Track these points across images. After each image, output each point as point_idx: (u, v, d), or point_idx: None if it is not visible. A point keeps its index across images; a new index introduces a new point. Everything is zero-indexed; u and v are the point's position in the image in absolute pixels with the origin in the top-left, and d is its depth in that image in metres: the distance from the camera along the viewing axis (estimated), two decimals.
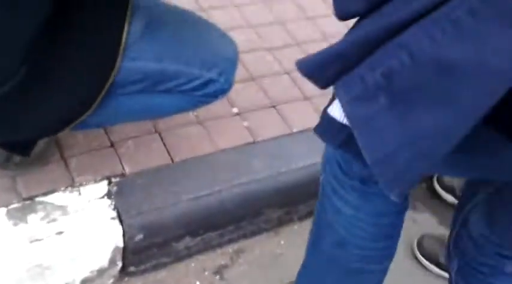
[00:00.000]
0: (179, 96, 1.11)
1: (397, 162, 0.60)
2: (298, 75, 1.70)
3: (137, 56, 1.00)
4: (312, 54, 0.65)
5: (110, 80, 0.98)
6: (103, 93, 1.00)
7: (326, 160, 1.01)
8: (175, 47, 1.07)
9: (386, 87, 0.58)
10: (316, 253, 1.10)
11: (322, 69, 0.64)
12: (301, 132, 1.53)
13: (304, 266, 1.15)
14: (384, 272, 1.09)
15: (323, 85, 0.66)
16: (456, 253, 1.11)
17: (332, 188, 0.99)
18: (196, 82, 1.10)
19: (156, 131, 1.43)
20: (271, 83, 1.67)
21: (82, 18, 0.93)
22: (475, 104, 0.56)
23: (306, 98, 1.65)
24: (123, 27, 0.96)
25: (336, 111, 0.74)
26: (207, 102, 1.18)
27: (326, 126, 0.77)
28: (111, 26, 0.97)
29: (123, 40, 0.96)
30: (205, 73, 1.10)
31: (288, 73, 1.72)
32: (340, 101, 0.63)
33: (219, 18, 1.84)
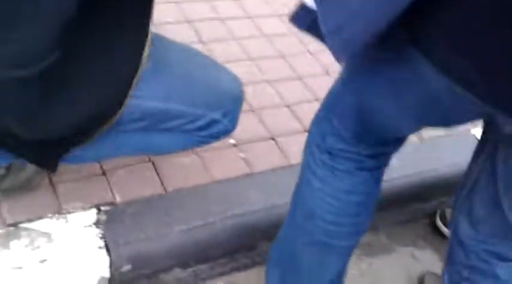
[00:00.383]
0: (181, 135, 1.09)
1: (345, 33, 0.70)
2: (298, 109, 1.69)
3: (143, 94, 0.97)
4: None
5: (116, 117, 0.96)
6: (106, 126, 0.97)
7: (307, 139, 1.10)
8: (182, 86, 1.05)
9: None
10: (289, 225, 1.16)
11: None
12: (299, 164, 1.49)
13: (278, 238, 1.20)
14: (349, 249, 1.12)
15: None
16: (448, 264, 1.12)
17: (307, 162, 1.08)
18: (200, 123, 1.08)
19: (149, 160, 1.39)
20: (270, 115, 1.64)
21: (98, 42, 0.90)
22: None
23: (306, 131, 1.62)
24: (138, 63, 0.94)
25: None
26: (209, 142, 1.16)
27: (299, 13, 0.86)
28: (126, 61, 0.94)
29: (135, 80, 0.94)
30: (210, 113, 1.08)
31: (288, 106, 1.69)
32: None
33: (219, 51, 1.84)
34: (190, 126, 1.08)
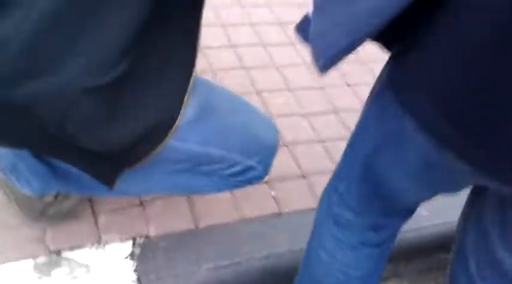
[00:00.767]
0: (217, 179, 1.15)
1: (328, 37, 0.72)
2: (331, 145, 1.73)
3: (186, 137, 1.03)
4: None
5: (155, 152, 1.01)
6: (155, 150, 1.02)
7: (317, 209, 1.13)
8: (222, 132, 1.10)
9: None
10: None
11: None
12: None
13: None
14: None
15: None
16: None
17: (317, 232, 1.10)
18: (236, 168, 1.13)
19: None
20: (303, 151, 1.69)
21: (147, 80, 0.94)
22: None
23: None
24: (180, 105, 0.99)
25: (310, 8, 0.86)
26: (242, 186, 1.22)
27: (303, 24, 0.87)
28: (170, 103, 0.99)
29: (177, 122, 0.99)
30: (246, 160, 1.13)
31: (321, 142, 1.73)
32: None
33: (259, 78, 1.89)
34: (227, 171, 1.15)
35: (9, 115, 0.88)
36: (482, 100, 0.63)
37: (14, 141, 0.99)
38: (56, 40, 0.81)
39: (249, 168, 1.16)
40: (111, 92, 0.87)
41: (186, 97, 0.99)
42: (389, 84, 0.80)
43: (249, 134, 1.16)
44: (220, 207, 1.46)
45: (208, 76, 1.81)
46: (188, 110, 1.01)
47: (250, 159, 1.15)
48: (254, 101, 1.79)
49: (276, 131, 1.23)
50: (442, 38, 0.66)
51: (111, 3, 0.81)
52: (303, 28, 0.84)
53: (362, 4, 0.67)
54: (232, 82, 1.82)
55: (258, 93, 1.83)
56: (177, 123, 0.99)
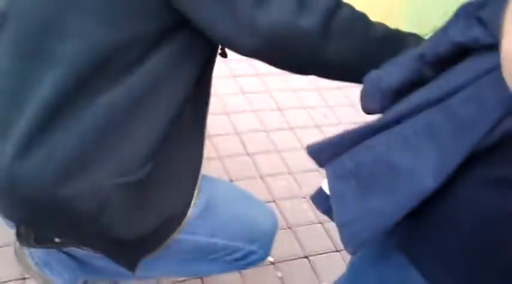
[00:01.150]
0: (222, 263, 1.28)
1: (353, 228, 0.78)
2: (330, 226, 1.87)
3: (194, 231, 1.17)
4: (318, 141, 0.87)
5: (168, 242, 1.14)
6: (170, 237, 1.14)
7: None
8: (226, 224, 1.25)
9: (357, 174, 0.79)
10: None
11: (321, 153, 0.87)
12: None
13: None
14: None
15: (320, 165, 0.87)
16: None
17: None
18: (239, 254, 1.27)
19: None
20: (305, 232, 1.83)
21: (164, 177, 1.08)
22: (407, 197, 0.73)
23: (338, 250, 1.80)
24: (191, 199, 1.14)
25: (325, 186, 0.92)
26: (246, 268, 1.35)
27: (318, 196, 0.95)
28: (182, 196, 1.14)
29: (185, 219, 1.14)
30: (248, 246, 1.27)
31: (321, 223, 1.88)
32: (328, 178, 0.84)
33: (262, 162, 2.05)
34: (231, 257, 1.27)
35: (50, 212, 1.01)
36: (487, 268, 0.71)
37: (54, 235, 1.12)
38: (96, 146, 0.96)
39: (251, 253, 1.29)
40: (138, 188, 1.02)
41: (195, 192, 1.14)
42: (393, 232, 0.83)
43: (249, 223, 1.30)
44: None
45: (216, 163, 1.97)
46: (196, 206, 1.15)
47: (251, 244, 1.28)
48: (258, 185, 1.95)
49: (274, 217, 1.37)
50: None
51: (141, 120, 0.98)
52: (318, 201, 0.95)
53: (375, 203, 0.76)
54: (237, 167, 1.99)
55: (262, 177, 1.99)
56: (186, 218, 1.13)
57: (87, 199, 0.97)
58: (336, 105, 2.45)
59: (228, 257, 1.28)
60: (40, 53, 0.95)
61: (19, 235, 1.11)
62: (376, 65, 0.84)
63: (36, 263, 1.33)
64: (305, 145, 2.18)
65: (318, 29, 0.88)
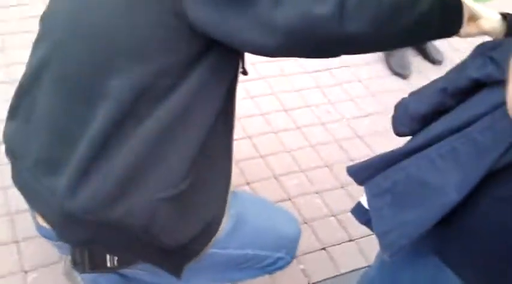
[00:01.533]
0: (251, 270, 1.43)
1: (390, 237, 0.93)
2: (343, 218, 2.02)
3: (226, 245, 1.30)
4: (358, 162, 1.06)
5: (204, 251, 1.26)
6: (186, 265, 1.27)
7: None
8: (255, 236, 1.37)
9: (392, 191, 0.95)
10: None
11: (359, 173, 1.05)
12: (349, 272, 1.82)
13: None
14: None
15: (359, 183, 1.06)
16: None
17: None
18: (268, 261, 1.41)
19: None
20: (320, 226, 1.98)
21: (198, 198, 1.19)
22: (435, 209, 0.88)
23: (351, 240, 1.95)
24: (223, 211, 1.26)
25: (364, 201, 1.09)
26: (273, 273, 1.50)
27: (357, 210, 1.12)
28: (215, 207, 1.25)
29: (216, 236, 1.28)
30: (276, 254, 1.41)
31: (334, 216, 2.03)
32: (366, 195, 1.03)
33: (274, 163, 2.20)
34: (260, 264, 1.42)
35: (104, 230, 1.13)
36: None
37: (107, 251, 1.23)
38: (143, 167, 1.07)
39: (279, 259, 1.43)
40: (181, 198, 1.13)
41: (226, 206, 1.27)
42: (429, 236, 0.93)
43: (276, 232, 1.42)
44: (259, 281, 1.73)
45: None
46: (227, 224, 1.27)
47: (279, 252, 1.42)
48: (273, 185, 2.10)
49: (297, 225, 1.51)
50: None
51: (181, 137, 1.09)
52: (358, 214, 1.10)
53: (408, 215, 0.92)
54: (252, 170, 2.13)
55: (276, 177, 2.14)
56: (218, 234, 1.25)
57: (138, 215, 1.08)
58: (337, 101, 2.59)
59: (258, 265, 1.41)
60: (89, 92, 1.05)
61: (75, 263, 1.21)
62: (398, 26, 0.93)
63: (86, 283, 1.47)
64: (312, 142, 2.32)
65: (334, 12, 0.90)
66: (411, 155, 0.95)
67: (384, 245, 0.98)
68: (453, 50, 3.01)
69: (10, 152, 1.21)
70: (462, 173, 0.86)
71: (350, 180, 2.19)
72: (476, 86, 0.93)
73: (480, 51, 0.95)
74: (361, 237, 1.94)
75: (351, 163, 2.28)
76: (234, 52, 1.09)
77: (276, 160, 2.22)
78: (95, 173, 1.05)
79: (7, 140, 1.21)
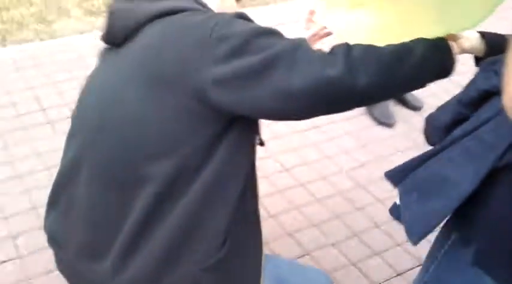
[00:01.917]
0: None
1: (416, 227, 1.09)
2: (363, 266, 2.06)
3: None
4: (392, 169, 1.21)
5: None
6: None
7: None
8: None
9: (418, 188, 1.12)
10: None
11: (395, 176, 1.20)
12: None
13: None
14: None
15: (395, 185, 1.20)
16: None
17: None
18: None
19: None
20: (342, 275, 2.02)
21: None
22: (454, 199, 1.04)
23: None
24: (260, 271, 1.29)
25: (397, 199, 1.21)
26: None
27: (394, 208, 1.23)
28: (252, 269, 1.28)
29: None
30: None
31: (353, 264, 2.07)
32: (399, 193, 1.18)
33: (285, 221, 2.25)
34: None
35: None
36: None
37: None
38: (181, 243, 1.12)
39: None
40: (219, 266, 1.17)
41: (261, 268, 1.30)
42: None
43: None
44: None
45: None
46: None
47: None
48: (288, 242, 2.15)
49: (328, 277, 1.56)
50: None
51: (215, 209, 1.14)
52: (393, 212, 1.22)
53: (431, 206, 1.07)
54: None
55: (290, 234, 2.19)
56: None
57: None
58: (333, 155, 2.69)
59: None
60: (125, 180, 1.11)
61: None
62: (402, 72, 1.03)
63: None
64: (317, 196, 2.37)
65: (345, 70, 0.98)
66: (435, 156, 1.13)
67: (410, 234, 1.12)
68: (431, 95, 3.17)
69: (52, 242, 1.27)
70: (474, 168, 1.02)
71: (362, 228, 2.27)
72: (486, 96, 1.09)
73: (485, 66, 1.13)
74: (385, 281, 1.99)
75: (360, 213, 2.37)
76: (254, 124, 1.17)
77: (287, 218, 2.27)
78: (134, 257, 1.12)
79: (49, 231, 1.27)
